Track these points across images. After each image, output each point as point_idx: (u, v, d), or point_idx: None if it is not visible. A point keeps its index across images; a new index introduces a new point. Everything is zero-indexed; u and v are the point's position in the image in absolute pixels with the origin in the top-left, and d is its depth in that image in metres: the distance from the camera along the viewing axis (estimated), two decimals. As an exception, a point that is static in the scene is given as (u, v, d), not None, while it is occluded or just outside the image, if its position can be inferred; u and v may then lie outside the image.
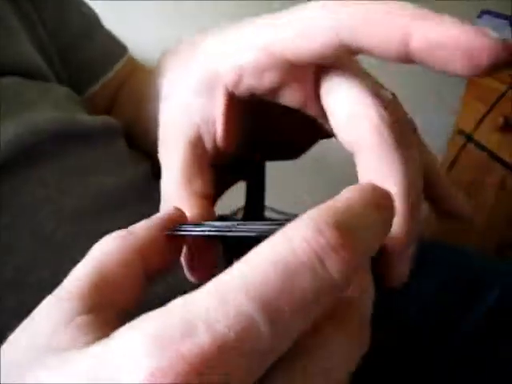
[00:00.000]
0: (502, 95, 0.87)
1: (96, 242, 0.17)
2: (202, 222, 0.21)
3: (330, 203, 0.13)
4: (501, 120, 0.90)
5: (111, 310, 0.16)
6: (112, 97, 0.49)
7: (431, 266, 0.49)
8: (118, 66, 0.48)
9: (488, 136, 0.96)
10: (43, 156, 0.32)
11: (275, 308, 0.12)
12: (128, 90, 0.48)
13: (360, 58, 0.22)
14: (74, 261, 0.17)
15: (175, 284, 0.38)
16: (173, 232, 0.19)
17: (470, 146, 0.99)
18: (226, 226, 0.18)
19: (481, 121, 0.90)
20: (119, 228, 0.34)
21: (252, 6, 1.13)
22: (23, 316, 0.15)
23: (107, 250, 0.17)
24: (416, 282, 0.48)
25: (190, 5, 1.11)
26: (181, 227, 0.19)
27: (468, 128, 0.98)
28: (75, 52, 0.45)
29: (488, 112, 0.89)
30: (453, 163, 0.96)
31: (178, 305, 0.12)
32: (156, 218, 0.20)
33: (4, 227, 0.27)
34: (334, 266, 0.12)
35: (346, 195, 0.14)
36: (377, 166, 0.19)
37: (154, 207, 0.37)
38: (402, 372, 0.45)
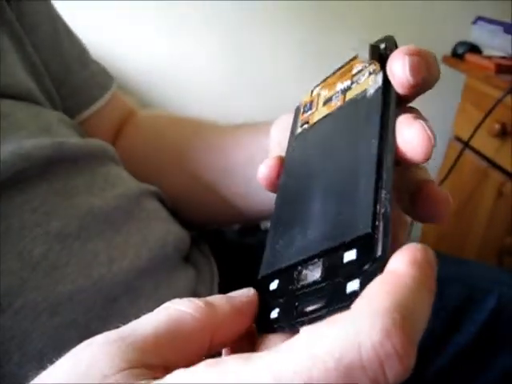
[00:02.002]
0: (498, 102, 0.86)
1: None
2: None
3: (394, 289, 0.14)
4: (497, 127, 0.90)
5: (165, 371, 0.16)
6: (110, 125, 0.50)
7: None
8: (109, 95, 0.49)
9: (485, 143, 0.96)
10: (31, 180, 0.32)
11: None
12: (155, 136, 0.51)
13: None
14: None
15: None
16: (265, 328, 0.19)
17: (467, 152, 0.98)
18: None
19: (477, 127, 0.90)
20: (107, 248, 0.34)
21: (247, 17, 1.13)
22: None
23: (183, 316, 0.17)
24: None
25: (186, 17, 1.11)
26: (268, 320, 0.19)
27: (465, 135, 0.98)
28: (67, 77, 0.46)
29: (484, 119, 0.88)
30: (450, 170, 0.96)
31: None
32: (238, 300, 0.19)
33: None
34: (394, 374, 0.13)
35: (406, 279, 0.14)
36: None
37: (142, 227, 0.37)
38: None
